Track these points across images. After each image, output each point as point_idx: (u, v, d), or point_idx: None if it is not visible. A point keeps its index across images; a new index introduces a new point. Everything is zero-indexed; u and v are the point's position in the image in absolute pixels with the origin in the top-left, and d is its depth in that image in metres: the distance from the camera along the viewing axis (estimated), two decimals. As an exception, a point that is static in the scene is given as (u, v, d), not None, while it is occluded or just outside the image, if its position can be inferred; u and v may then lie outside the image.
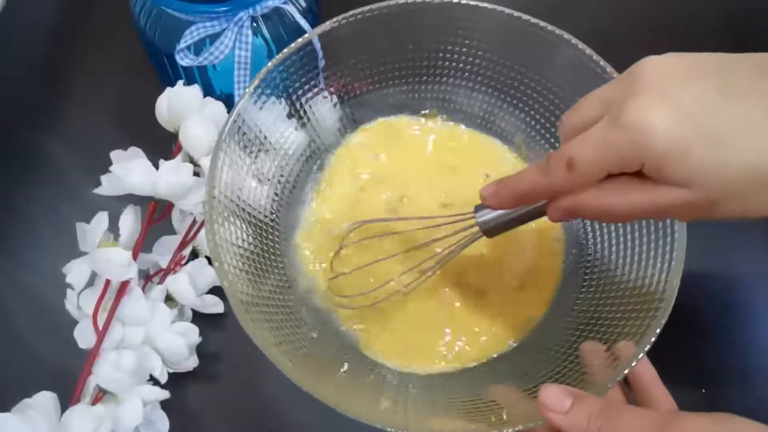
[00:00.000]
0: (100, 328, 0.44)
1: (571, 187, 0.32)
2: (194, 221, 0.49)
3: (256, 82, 0.44)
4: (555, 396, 0.32)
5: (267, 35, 0.51)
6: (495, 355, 0.45)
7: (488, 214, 0.40)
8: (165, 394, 0.44)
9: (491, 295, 0.46)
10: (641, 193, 0.31)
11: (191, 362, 0.47)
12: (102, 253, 0.44)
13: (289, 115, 0.48)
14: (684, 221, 0.33)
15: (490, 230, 0.40)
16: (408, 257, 0.46)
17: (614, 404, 0.32)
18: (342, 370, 0.43)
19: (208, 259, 0.48)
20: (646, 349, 0.35)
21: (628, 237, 0.43)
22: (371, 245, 0.47)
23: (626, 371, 0.35)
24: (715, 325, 0.50)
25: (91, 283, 0.46)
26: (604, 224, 0.46)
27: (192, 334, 0.46)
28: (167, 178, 0.46)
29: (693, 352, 0.48)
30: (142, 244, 0.47)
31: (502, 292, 0.47)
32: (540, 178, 0.34)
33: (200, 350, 0.47)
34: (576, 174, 0.32)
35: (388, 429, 0.35)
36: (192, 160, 0.48)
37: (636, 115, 0.29)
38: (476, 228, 0.41)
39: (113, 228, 0.46)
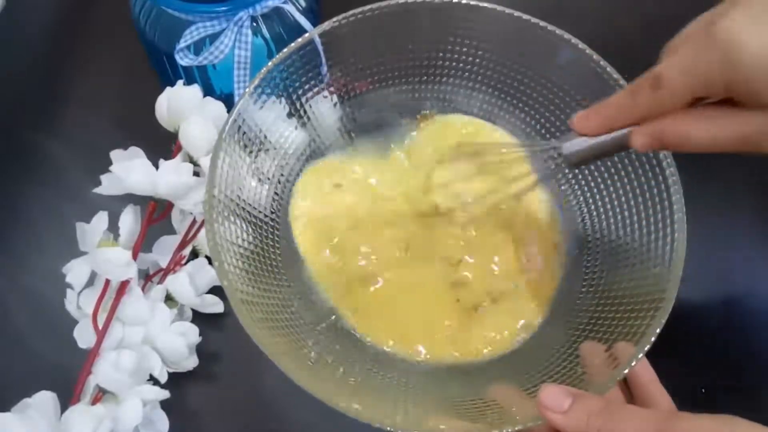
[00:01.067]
0: (100, 327, 0.44)
1: (658, 107, 0.32)
2: (194, 221, 0.49)
3: (256, 81, 0.44)
4: (554, 396, 0.32)
5: (267, 35, 0.51)
6: (495, 355, 0.45)
7: (573, 144, 0.38)
8: (165, 394, 0.44)
9: (492, 294, 0.46)
10: (728, 119, 0.30)
11: (191, 362, 0.47)
12: (102, 253, 0.44)
13: (290, 115, 0.48)
14: None
15: (574, 159, 0.39)
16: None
17: (614, 404, 0.31)
18: (342, 370, 0.43)
19: (208, 258, 0.48)
20: (646, 349, 0.35)
21: (629, 237, 0.43)
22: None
23: (626, 371, 0.35)
24: (715, 325, 0.50)
25: (91, 282, 0.46)
26: (604, 223, 0.46)
27: (192, 333, 0.46)
28: (167, 178, 0.46)
29: (693, 352, 0.48)
30: (142, 244, 0.47)
31: (502, 291, 0.47)
32: (627, 99, 0.33)
33: (200, 350, 0.47)
34: (662, 92, 0.31)
35: (388, 429, 0.35)
36: (192, 160, 0.48)
37: (726, 32, 0.28)
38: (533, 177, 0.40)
39: (113, 228, 0.46)
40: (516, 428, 0.35)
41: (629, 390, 0.39)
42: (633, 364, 0.35)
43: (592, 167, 0.47)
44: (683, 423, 0.29)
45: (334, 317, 0.46)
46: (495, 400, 0.40)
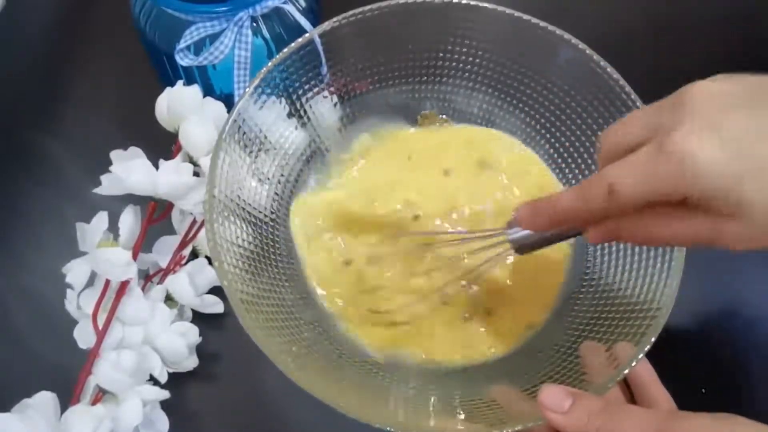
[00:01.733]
0: (100, 328, 0.44)
1: (610, 214, 0.32)
2: (194, 221, 0.49)
3: (256, 81, 0.44)
4: (555, 396, 0.32)
5: (267, 35, 0.51)
6: (495, 358, 0.45)
7: (521, 233, 0.39)
8: (165, 394, 0.44)
9: (493, 298, 0.46)
10: (685, 222, 0.30)
11: (191, 362, 0.47)
12: (102, 253, 0.44)
13: (290, 115, 0.48)
14: (731, 249, 0.31)
15: (522, 248, 0.39)
16: (430, 274, 0.46)
17: (614, 404, 0.31)
18: (342, 370, 0.43)
19: (208, 258, 0.48)
20: (646, 349, 0.35)
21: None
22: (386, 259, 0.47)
23: (626, 371, 0.35)
24: (715, 325, 0.50)
25: (90, 283, 0.46)
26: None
27: (192, 334, 0.46)
28: (167, 178, 0.46)
29: (693, 352, 0.48)
30: (142, 244, 0.47)
31: (504, 296, 0.46)
32: (578, 203, 0.33)
33: (200, 350, 0.47)
34: (616, 202, 0.31)
35: (388, 428, 0.35)
36: (192, 160, 0.48)
37: (682, 144, 0.28)
38: (506, 244, 0.40)
39: (113, 228, 0.46)
40: (516, 428, 0.35)
41: (630, 390, 0.39)
42: (633, 364, 0.35)
43: (592, 168, 0.47)
44: (684, 422, 0.29)
45: (334, 318, 0.46)
46: (495, 401, 0.40)
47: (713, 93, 0.29)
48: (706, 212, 0.29)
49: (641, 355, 0.35)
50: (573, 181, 0.48)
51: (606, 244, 0.45)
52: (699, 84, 0.30)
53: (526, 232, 0.38)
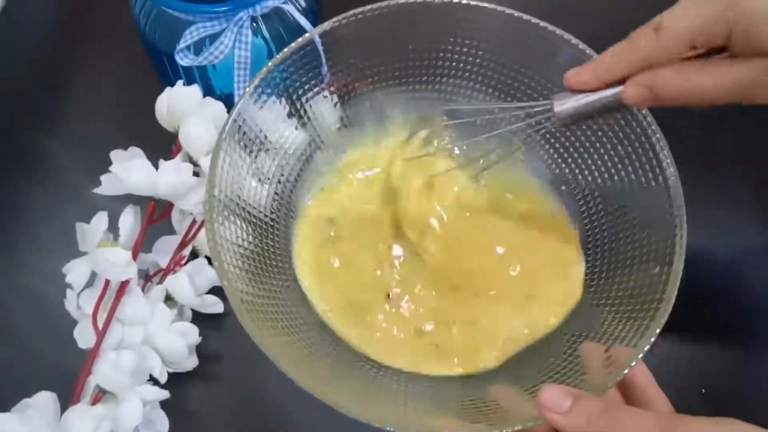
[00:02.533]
0: (100, 328, 0.44)
1: (656, 53, 0.31)
2: (194, 221, 0.49)
3: (256, 81, 0.44)
4: (555, 396, 0.32)
5: (267, 35, 0.51)
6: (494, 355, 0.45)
7: (564, 102, 0.37)
8: (165, 394, 0.44)
9: (495, 300, 0.46)
10: (726, 67, 0.30)
11: (191, 362, 0.47)
12: (102, 253, 0.44)
13: (290, 115, 0.48)
14: (762, 101, 0.30)
15: (565, 118, 0.38)
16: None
17: (615, 405, 0.31)
18: (342, 371, 0.43)
19: (208, 258, 0.48)
20: (646, 349, 0.35)
21: (628, 238, 0.43)
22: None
23: (626, 371, 0.35)
24: (715, 325, 0.50)
25: (90, 283, 0.46)
26: (603, 220, 0.46)
27: (192, 334, 0.46)
28: (167, 178, 0.46)
29: (693, 352, 0.48)
30: (142, 244, 0.47)
31: (508, 298, 0.46)
32: (625, 45, 0.33)
33: (200, 350, 0.47)
34: (662, 38, 0.31)
35: (388, 428, 0.35)
36: (192, 160, 0.48)
37: None
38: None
39: (113, 228, 0.46)
40: (516, 428, 0.35)
41: (625, 393, 0.39)
42: (633, 364, 0.35)
43: (592, 168, 0.47)
44: (684, 426, 0.29)
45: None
46: (495, 401, 0.40)
47: None
48: (748, 52, 0.29)
49: (641, 356, 0.35)
50: (572, 182, 0.48)
51: (607, 241, 0.45)
52: None
53: (571, 99, 0.37)
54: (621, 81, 0.35)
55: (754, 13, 0.28)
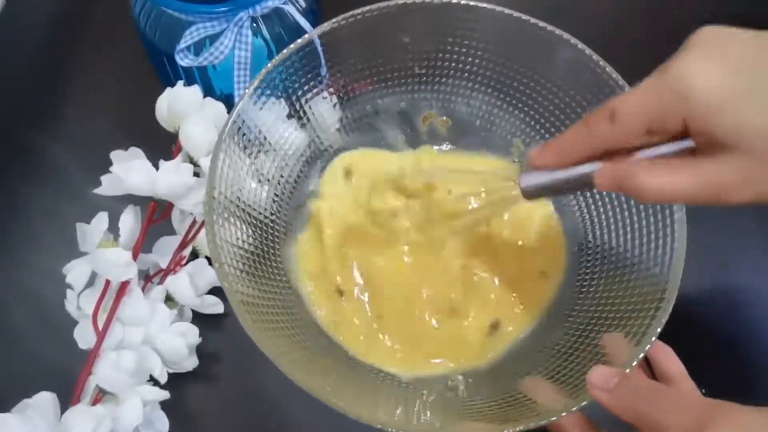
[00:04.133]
0: (100, 328, 0.44)
1: (613, 139, 0.32)
2: (194, 221, 0.49)
3: (256, 82, 0.44)
4: (604, 374, 0.32)
5: (267, 35, 0.51)
6: (494, 356, 0.45)
7: (530, 177, 0.37)
8: (165, 395, 0.44)
9: (491, 296, 0.46)
10: (691, 169, 0.30)
11: (191, 362, 0.47)
12: (102, 254, 0.44)
13: (289, 116, 0.48)
14: (739, 202, 0.29)
15: (530, 192, 0.38)
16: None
17: (660, 386, 0.31)
18: (343, 371, 0.43)
19: (208, 259, 0.48)
20: (647, 349, 0.35)
21: (629, 237, 0.43)
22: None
23: (627, 371, 0.35)
24: (715, 325, 0.50)
25: (91, 283, 0.46)
26: (604, 222, 0.46)
27: (192, 334, 0.46)
28: (167, 178, 0.46)
29: (693, 352, 0.48)
30: (142, 245, 0.47)
31: (502, 292, 0.47)
32: (582, 130, 0.33)
33: (200, 350, 0.47)
34: (617, 123, 0.31)
35: (389, 429, 0.35)
36: (192, 161, 0.48)
37: (679, 67, 0.29)
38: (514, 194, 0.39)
39: (113, 228, 0.46)
40: (517, 428, 0.35)
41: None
42: (634, 364, 0.35)
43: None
44: (724, 412, 0.29)
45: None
46: (495, 400, 0.40)
47: (720, 30, 0.30)
48: (708, 146, 0.29)
49: (642, 355, 0.35)
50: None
51: (607, 240, 0.45)
52: (707, 27, 0.30)
53: (536, 175, 0.37)
54: (584, 161, 0.35)
55: (703, 105, 0.28)
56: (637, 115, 0.30)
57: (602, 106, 0.32)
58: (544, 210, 0.49)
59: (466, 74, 0.50)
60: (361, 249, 0.47)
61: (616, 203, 0.45)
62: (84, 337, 0.45)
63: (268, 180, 0.47)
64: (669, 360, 0.38)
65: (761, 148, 0.28)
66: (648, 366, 0.40)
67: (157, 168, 0.47)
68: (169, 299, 0.47)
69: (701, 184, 0.30)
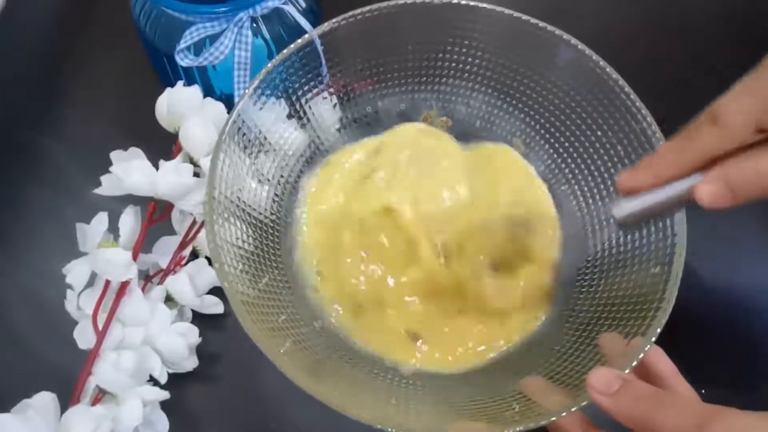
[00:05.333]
0: (100, 328, 0.44)
1: (718, 143, 0.29)
2: (194, 222, 0.49)
3: (256, 82, 0.44)
4: (605, 378, 0.32)
5: (267, 35, 0.51)
6: (493, 356, 0.45)
7: (624, 206, 0.34)
8: (165, 395, 0.44)
9: (488, 298, 0.46)
10: None
11: (191, 363, 0.47)
12: (102, 254, 0.44)
13: (289, 116, 0.48)
14: None
15: (627, 222, 0.35)
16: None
17: (661, 390, 0.31)
18: (344, 371, 0.43)
19: (208, 259, 0.48)
20: (646, 349, 0.35)
21: (629, 237, 0.43)
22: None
23: (627, 371, 0.35)
24: (715, 325, 0.50)
25: (91, 283, 0.46)
26: (604, 222, 0.46)
27: (192, 334, 0.46)
28: (167, 179, 0.46)
29: (693, 352, 0.48)
30: (142, 245, 0.47)
31: (499, 294, 0.46)
32: (682, 141, 0.31)
33: (200, 350, 0.47)
34: (720, 125, 0.29)
35: (389, 429, 0.35)
36: (192, 161, 0.48)
37: None
38: None
39: (113, 228, 0.46)
40: (517, 428, 0.35)
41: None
42: (634, 364, 0.35)
43: (592, 168, 0.47)
44: (723, 417, 0.28)
45: (333, 321, 0.46)
46: (494, 399, 0.40)
47: None
48: None
49: (642, 356, 0.35)
50: (573, 182, 0.48)
51: (607, 240, 0.45)
52: None
53: (632, 201, 0.34)
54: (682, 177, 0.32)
55: None
56: (742, 112, 0.29)
57: (703, 114, 0.30)
58: (542, 209, 0.49)
59: (466, 74, 0.50)
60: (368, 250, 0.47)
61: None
62: (84, 337, 0.45)
63: (268, 180, 0.47)
64: (660, 360, 0.37)
65: None
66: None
67: (157, 168, 0.47)
68: (169, 299, 0.47)
69: None
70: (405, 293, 0.46)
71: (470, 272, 0.47)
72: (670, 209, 0.34)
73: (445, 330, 0.46)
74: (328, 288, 0.47)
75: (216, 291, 0.48)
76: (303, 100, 0.48)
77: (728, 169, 0.30)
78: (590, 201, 0.47)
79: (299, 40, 0.45)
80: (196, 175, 0.48)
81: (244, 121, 0.44)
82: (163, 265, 0.48)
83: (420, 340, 0.45)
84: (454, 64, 0.49)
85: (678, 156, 0.31)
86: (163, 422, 0.45)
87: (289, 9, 0.50)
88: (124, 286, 0.45)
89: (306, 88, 0.48)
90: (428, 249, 0.46)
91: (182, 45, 0.49)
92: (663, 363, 0.38)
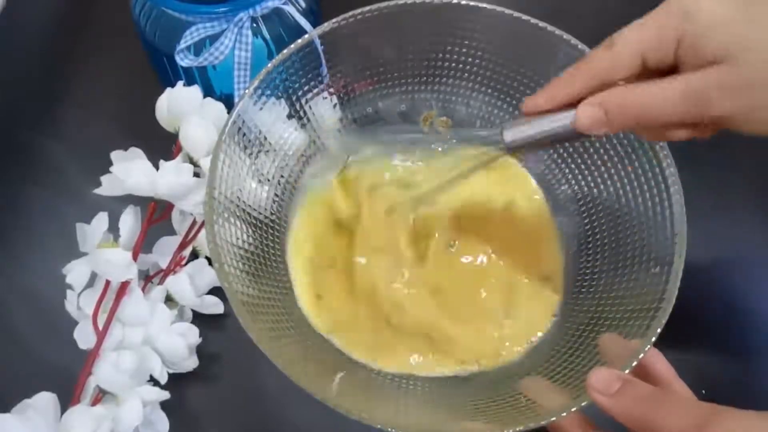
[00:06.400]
0: (100, 328, 0.44)
1: (609, 70, 0.32)
2: (194, 222, 0.49)
3: (256, 82, 0.44)
4: (605, 378, 0.32)
5: (267, 36, 0.51)
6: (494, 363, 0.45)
7: (515, 130, 0.36)
8: (165, 395, 0.44)
9: (489, 301, 0.46)
10: (676, 79, 0.30)
11: (191, 363, 0.47)
12: (102, 254, 0.44)
13: (289, 116, 0.48)
14: (720, 113, 0.30)
15: (514, 145, 0.37)
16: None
17: (661, 391, 0.31)
18: (343, 371, 0.43)
19: (208, 259, 0.48)
20: (646, 349, 0.35)
21: (628, 237, 0.43)
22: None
23: (627, 371, 0.35)
24: (715, 325, 0.50)
25: (91, 283, 0.46)
26: (603, 222, 0.46)
27: (192, 334, 0.46)
28: (167, 179, 0.46)
29: (693, 352, 0.48)
30: (142, 245, 0.47)
31: (499, 299, 0.46)
32: (579, 65, 0.33)
33: (200, 351, 0.47)
34: (614, 52, 0.31)
35: (389, 429, 0.35)
36: (192, 161, 0.48)
37: None
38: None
39: (113, 228, 0.46)
40: (518, 428, 0.35)
41: None
42: (634, 364, 0.35)
43: (592, 168, 0.47)
44: (723, 417, 0.28)
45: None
46: (495, 400, 0.40)
47: None
48: (696, 61, 0.30)
49: (641, 356, 0.35)
50: (572, 181, 0.48)
51: (607, 240, 0.45)
52: None
53: (522, 127, 0.36)
54: (575, 104, 0.34)
55: (701, 23, 0.29)
56: (634, 40, 0.31)
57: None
58: (539, 209, 0.49)
59: (466, 74, 0.50)
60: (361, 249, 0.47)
61: (615, 202, 0.45)
62: (84, 337, 0.45)
63: (268, 180, 0.47)
64: (658, 362, 0.38)
65: (747, 59, 0.28)
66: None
67: (157, 168, 0.47)
68: (169, 299, 0.47)
69: (683, 94, 0.30)
70: (402, 297, 0.46)
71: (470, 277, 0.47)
72: (555, 137, 0.36)
73: (446, 333, 0.45)
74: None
75: (216, 291, 0.48)
76: (303, 100, 0.48)
77: (607, 95, 0.32)
78: (589, 199, 0.47)
79: (299, 40, 0.45)
80: (196, 175, 0.48)
81: (244, 121, 0.44)
82: (163, 265, 0.48)
83: (420, 342, 0.45)
84: (454, 64, 0.49)
85: (572, 77, 0.33)
86: (163, 422, 0.45)
87: (289, 9, 0.50)
88: (124, 286, 0.45)
89: (306, 88, 0.48)
90: (428, 249, 0.47)
91: (182, 45, 0.49)
92: (661, 365, 0.38)
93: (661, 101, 0.31)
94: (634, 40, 0.31)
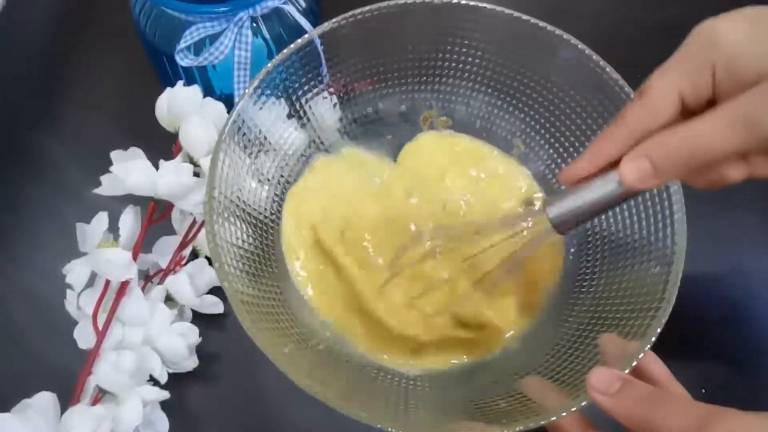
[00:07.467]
0: (100, 328, 0.44)
1: (646, 120, 0.30)
2: (194, 221, 0.49)
3: (256, 82, 0.44)
4: (605, 378, 0.32)
5: (267, 35, 0.51)
6: (490, 356, 0.45)
7: (560, 206, 0.35)
8: (165, 395, 0.44)
9: (489, 293, 0.46)
10: (714, 110, 0.28)
11: (191, 362, 0.47)
12: (102, 254, 0.44)
13: (289, 116, 0.48)
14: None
15: (564, 223, 0.35)
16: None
17: (660, 391, 0.31)
18: (343, 371, 0.43)
19: (208, 259, 0.48)
20: (646, 349, 0.35)
21: (628, 237, 0.43)
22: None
23: (627, 371, 0.35)
24: (715, 325, 0.50)
25: (91, 283, 0.46)
26: (603, 222, 0.46)
27: (192, 334, 0.46)
28: (167, 179, 0.46)
29: (693, 352, 0.48)
30: (142, 245, 0.47)
31: (500, 291, 0.46)
32: (614, 123, 0.32)
33: (200, 350, 0.47)
34: (647, 98, 0.30)
35: (389, 430, 0.35)
36: (192, 161, 0.48)
37: (701, 27, 0.30)
38: (542, 227, 0.36)
39: (113, 228, 0.46)
40: (518, 429, 0.35)
41: None
42: (634, 364, 0.35)
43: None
44: (723, 418, 0.28)
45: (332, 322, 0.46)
46: (495, 399, 0.40)
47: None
48: (736, 85, 0.29)
49: (641, 356, 0.35)
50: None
51: (607, 240, 0.45)
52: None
53: (567, 201, 0.34)
54: (617, 163, 0.32)
55: (730, 45, 0.29)
56: (666, 83, 0.30)
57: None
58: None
59: (466, 74, 0.50)
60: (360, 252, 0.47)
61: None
62: (84, 337, 0.45)
63: (268, 180, 0.47)
64: (654, 364, 0.38)
65: None
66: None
67: (157, 168, 0.47)
68: (169, 299, 0.47)
69: (730, 121, 0.28)
70: (403, 296, 0.46)
71: (469, 278, 0.47)
72: (607, 204, 0.34)
73: (445, 332, 0.45)
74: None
75: (216, 291, 0.48)
76: (303, 100, 0.48)
77: (648, 144, 0.30)
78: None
79: (299, 40, 0.45)
80: (196, 175, 0.48)
81: (244, 121, 0.44)
82: (163, 265, 0.48)
83: (420, 342, 0.45)
84: (454, 64, 0.49)
85: (611, 136, 0.32)
86: (163, 422, 0.45)
87: (289, 9, 0.50)
88: (124, 286, 0.45)
89: (306, 88, 0.48)
90: (426, 248, 0.47)
91: (182, 45, 0.49)
92: (658, 367, 0.38)
93: (708, 135, 0.28)
94: (667, 82, 0.30)
